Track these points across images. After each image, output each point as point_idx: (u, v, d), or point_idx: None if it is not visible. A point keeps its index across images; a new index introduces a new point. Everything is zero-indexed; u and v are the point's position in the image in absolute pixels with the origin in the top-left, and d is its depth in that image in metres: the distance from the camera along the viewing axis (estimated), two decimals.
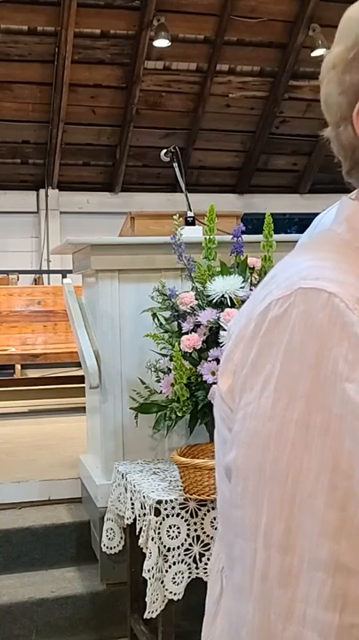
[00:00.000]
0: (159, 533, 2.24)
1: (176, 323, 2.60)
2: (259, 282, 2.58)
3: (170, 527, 2.25)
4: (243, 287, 2.50)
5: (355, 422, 0.63)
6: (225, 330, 2.38)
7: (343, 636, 0.60)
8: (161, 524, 2.24)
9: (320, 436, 0.64)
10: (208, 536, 2.28)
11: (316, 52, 8.71)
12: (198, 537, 2.27)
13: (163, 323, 2.67)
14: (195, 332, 2.49)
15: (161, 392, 2.59)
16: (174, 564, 2.24)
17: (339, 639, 0.60)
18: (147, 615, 2.25)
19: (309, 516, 0.63)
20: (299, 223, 10.40)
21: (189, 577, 2.24)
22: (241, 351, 0.71)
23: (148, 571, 2.22)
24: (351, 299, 0.66)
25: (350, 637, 0.60)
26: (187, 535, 2.26)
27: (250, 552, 0.66)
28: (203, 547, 2.27)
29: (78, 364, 3.77)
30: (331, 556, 0.61)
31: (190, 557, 2.25)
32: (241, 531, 0.68)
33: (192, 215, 3.16)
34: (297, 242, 1.36)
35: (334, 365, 0.64)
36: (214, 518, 2.27)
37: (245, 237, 2.67)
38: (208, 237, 2.60)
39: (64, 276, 6.73)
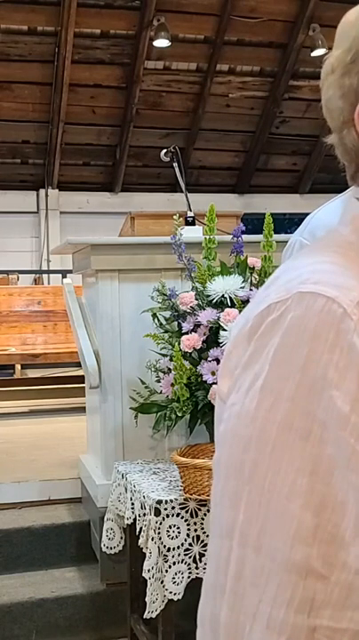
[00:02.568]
0: (159, 533, 2.24)
1: (176, 323, 2.60)
2: (259, 282, 2.59)
3: (170, 527, 2.25)
4: (243, 287, 2.50)
5: (338, 430, 0.62)
6: (225, 330, 2.38)
7: (309, 637, 0.61)
8: (161, 524, 2.24)
9: (301, 440, 0.63)
10: (208, 536, 2.27)
11: (316, 52, 8.71)
12: (198, 537, 2.27)
13: (163, 323, 2.67)
14: (195, 331, 2.48)
15: (161, 392, 2.59)
16: (174, 563, 2.24)
17: None
18: (147, 615, 2.25)
19: (285, 519, 0.63)
20: (299, 223, 10.21)
21: (189, 577, 2.24)
22: (238, 352, 0.71)
23: (148, 571, 2.23)
24: (350, 303, 0.65)
25: (313, 639, 0.61)
26: (187, 535, 2.26)
27: (225, 550, 0.66)
28: (202, 547, 2.26)
29: (78, 364, 3.77)
30: (304, 559, 0.61)
31: (190, 557, 2.25)
32: (217, 529, 0.69)
33: (192, 215, 3.16)
34: None
35: (324, 371, 0.63)
36: None
37: (245, 237, 2.67)
38: (208, 237, 2.60)
39: (64, 276, 6.73)
